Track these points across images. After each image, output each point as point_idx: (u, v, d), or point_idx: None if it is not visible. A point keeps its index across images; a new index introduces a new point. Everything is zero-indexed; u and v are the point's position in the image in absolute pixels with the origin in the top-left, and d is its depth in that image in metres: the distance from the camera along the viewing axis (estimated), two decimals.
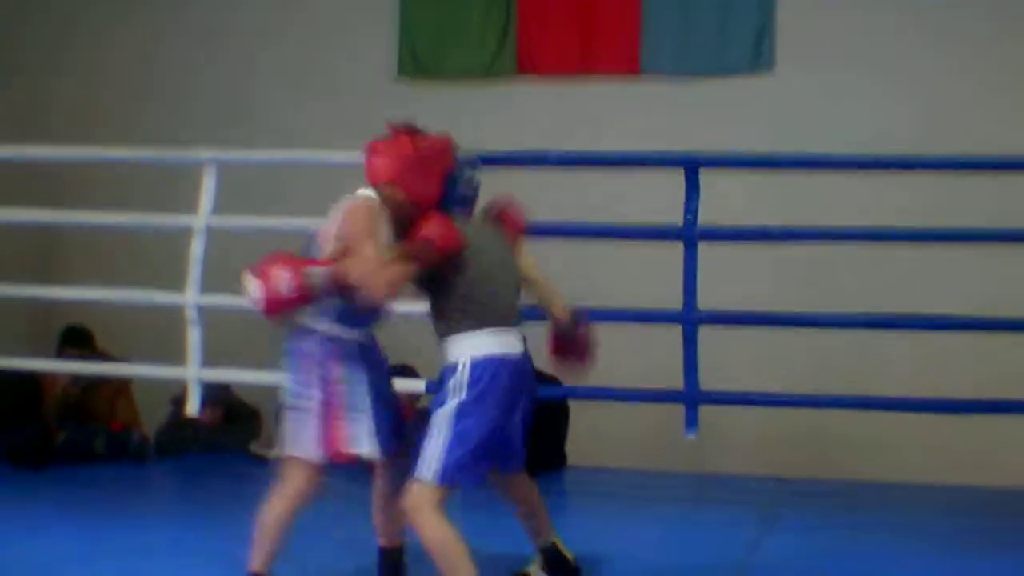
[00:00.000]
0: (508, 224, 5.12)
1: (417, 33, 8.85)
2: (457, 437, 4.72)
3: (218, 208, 6.80)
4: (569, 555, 5.28)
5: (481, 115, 8.42)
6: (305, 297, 4.70)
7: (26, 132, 8.39)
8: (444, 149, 4.89)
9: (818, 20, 8.31)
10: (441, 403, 4.78)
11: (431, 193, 4.85)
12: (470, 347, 4.79)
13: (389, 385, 5.06)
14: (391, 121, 4.85)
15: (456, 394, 4.75)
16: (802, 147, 7.11)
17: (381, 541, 5.15)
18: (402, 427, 5.06)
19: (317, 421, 4.79)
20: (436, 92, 8.58)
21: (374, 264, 4.63)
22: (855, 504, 7.21)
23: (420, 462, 4.76)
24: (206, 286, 6.74)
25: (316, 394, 4.81)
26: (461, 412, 4.74)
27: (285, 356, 4.90)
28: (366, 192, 4.81)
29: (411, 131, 4.86)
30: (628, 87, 8.51)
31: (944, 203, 7.38)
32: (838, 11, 8.23)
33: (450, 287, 4.81)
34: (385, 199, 4.79)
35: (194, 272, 6.81)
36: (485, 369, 4.76)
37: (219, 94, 9.06)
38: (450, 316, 4.83)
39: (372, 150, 4.85)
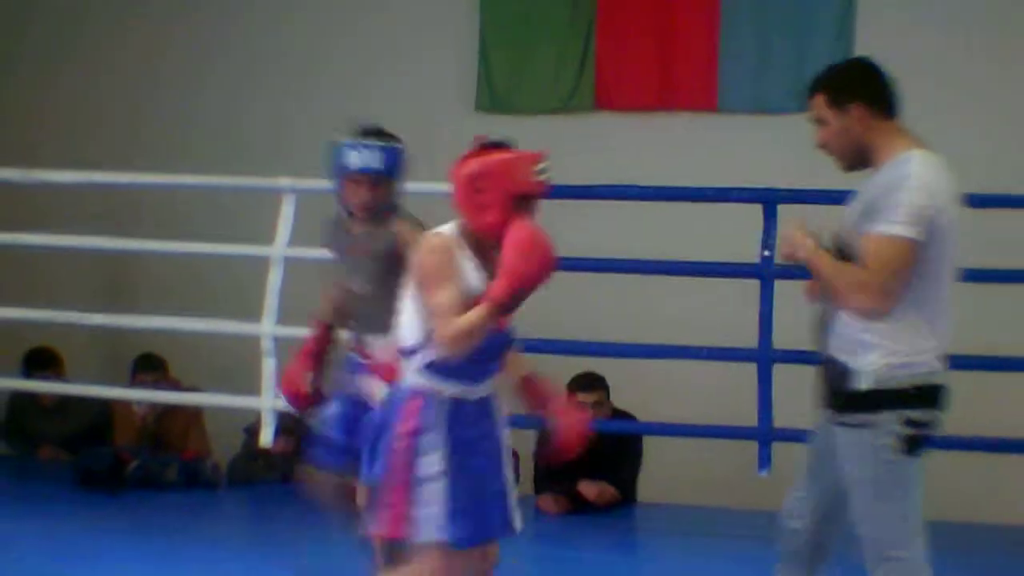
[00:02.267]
0: None
1: (495, 69, 8.85)
2: None
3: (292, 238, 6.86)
4: None
5: (558, 149, 8.31)
6: None
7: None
8: (502, 165, 4.06)
9: (896, 56, 8.15)
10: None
11: (490, 221, 4.02)
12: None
13: (497, 454, 4.13)
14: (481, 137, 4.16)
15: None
16: None
17: None
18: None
19: (382, 493, 4.04)
20: (514, 126, 8.53)
21: (444, 315, 3.93)
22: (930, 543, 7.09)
23: None
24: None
25: (383, 460, 4.05)
26: None
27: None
28: (448, 225, 4.13)
29: (483, 148, 4.11)
30: (706, 123, 8.46)
31: None
32: (915, 47, 8.13)
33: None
34: (463, 230, 4.10)
35: (270, 302, 6.84)
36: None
37: (298, 124, 9.08)
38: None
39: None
